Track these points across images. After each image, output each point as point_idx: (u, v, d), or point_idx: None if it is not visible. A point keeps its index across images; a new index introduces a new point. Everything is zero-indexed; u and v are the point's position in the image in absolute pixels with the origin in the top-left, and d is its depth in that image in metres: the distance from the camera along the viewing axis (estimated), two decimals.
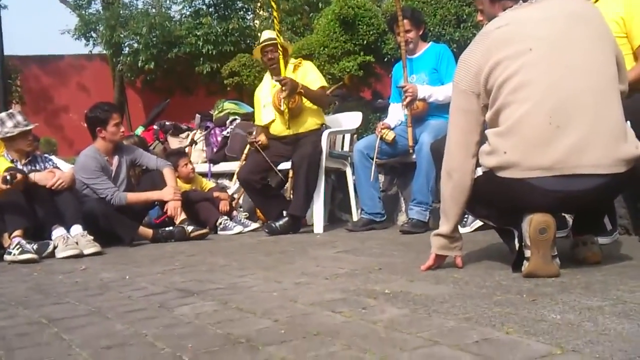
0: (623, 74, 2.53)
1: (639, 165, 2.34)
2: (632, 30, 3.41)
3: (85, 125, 5.15)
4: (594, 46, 2.42)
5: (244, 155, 5.96)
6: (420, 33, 4.89)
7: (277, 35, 5.28)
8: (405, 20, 4.77)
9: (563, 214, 3.22)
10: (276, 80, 5.13)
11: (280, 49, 5.21)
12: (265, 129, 5.36)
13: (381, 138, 4.74)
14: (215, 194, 5.65)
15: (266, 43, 5.25)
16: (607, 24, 2.54)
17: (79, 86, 15.99)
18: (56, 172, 4.64)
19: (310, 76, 5.23)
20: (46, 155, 5.32)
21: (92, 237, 4.36)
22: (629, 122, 2.43)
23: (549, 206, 2.33)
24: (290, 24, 9.37)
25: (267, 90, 5.37)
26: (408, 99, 4.60)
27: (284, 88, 4.96)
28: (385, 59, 7.12)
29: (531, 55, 2.38)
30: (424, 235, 4.02)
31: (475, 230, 4.18)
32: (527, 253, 2.33)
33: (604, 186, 2.34)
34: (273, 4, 5.47)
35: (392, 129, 4.80)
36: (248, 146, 5.72)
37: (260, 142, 5.19)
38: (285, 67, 5.21)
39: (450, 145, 2.60)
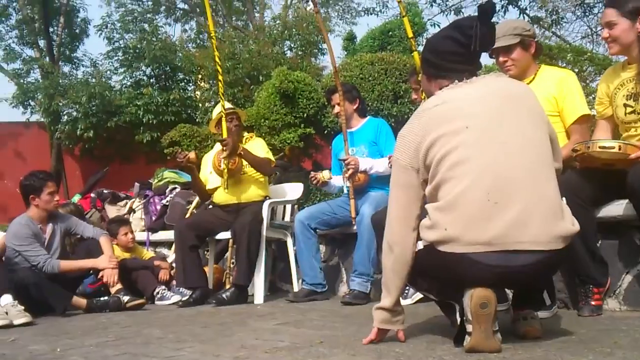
0: (557, 152, 2.62)
1: (575, 242, 2.39)
2: (565, 109, 3.57)
3: (20, 192, 5.03)
4: (527, 124, 2.48)
5: (188, 214, 6.07)
6: (355, 107, 5.00)
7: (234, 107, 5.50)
8: (338, 94, 4.91)
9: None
10: (217, 140, 5.16)
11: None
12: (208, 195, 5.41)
13: (317, 184, 4.90)
14: (156, 262, 5.54)
15: (230, 111, 5.34)
16: (540, 103, 2.64)
17: (15, 153, 15.62)
18: None
19: (257, 149, 5.27)
20: None
21: (22, 307, 4.20)
22: (564, 198, 2.50)
23: (489, 281, 2.34)
24: (232, 95, 9.47)
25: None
26: (350, 171, 4.66)
27: (224, 148, 4.98)
28: (325, 131, 7.24)
29: (468, 133, 2.42)
30: (366, 307, 4.01)
31: (417, 302, 4.18)
32: (469, 328, 2.32)
33: (542, 262, 2.37)
34: (219, 72, 5.57)
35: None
36: (190, 209, 6.07)
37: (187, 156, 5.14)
38: (242, 137, 5.35)
39: (390, 219, 2.61)
